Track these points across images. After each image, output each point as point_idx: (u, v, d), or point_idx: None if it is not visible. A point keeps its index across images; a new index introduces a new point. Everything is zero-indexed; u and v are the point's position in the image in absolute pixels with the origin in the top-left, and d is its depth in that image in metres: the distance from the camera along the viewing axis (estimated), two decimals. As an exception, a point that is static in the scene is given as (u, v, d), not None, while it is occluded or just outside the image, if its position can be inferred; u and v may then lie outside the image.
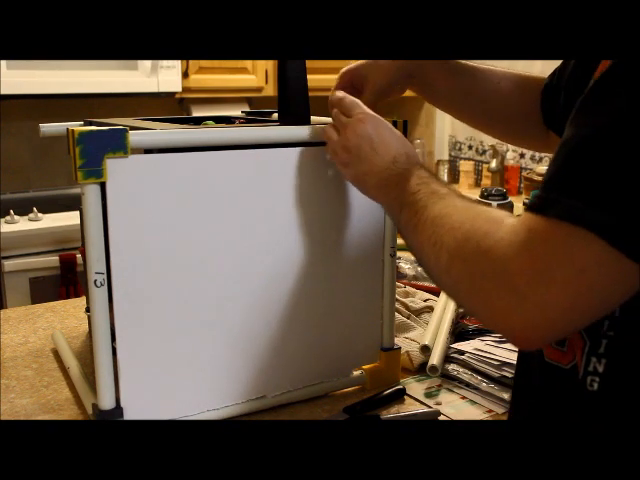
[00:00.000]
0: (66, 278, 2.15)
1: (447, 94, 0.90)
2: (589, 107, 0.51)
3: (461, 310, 1.10)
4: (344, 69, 0.90)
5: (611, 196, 0.47)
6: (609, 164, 0.47)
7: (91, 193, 0.70)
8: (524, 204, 1.49)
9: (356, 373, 0.94)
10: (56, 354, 1.03)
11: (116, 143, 0.70)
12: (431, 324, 1.04)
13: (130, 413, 0.76)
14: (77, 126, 0.83)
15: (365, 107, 0.79)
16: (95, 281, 0.71)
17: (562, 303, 0.49)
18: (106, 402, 0.74)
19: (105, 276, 0.72)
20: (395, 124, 0.89)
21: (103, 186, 0.71)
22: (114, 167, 0.70)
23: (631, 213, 0.46)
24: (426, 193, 0.68)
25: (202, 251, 0.78)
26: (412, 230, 0.66)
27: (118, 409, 0.75)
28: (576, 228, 0.48)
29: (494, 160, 2.80)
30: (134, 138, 0.71)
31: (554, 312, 0.50)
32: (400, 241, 0.82)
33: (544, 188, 0.52)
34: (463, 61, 0.88)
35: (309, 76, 0.84)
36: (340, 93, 0.81)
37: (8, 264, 2.08)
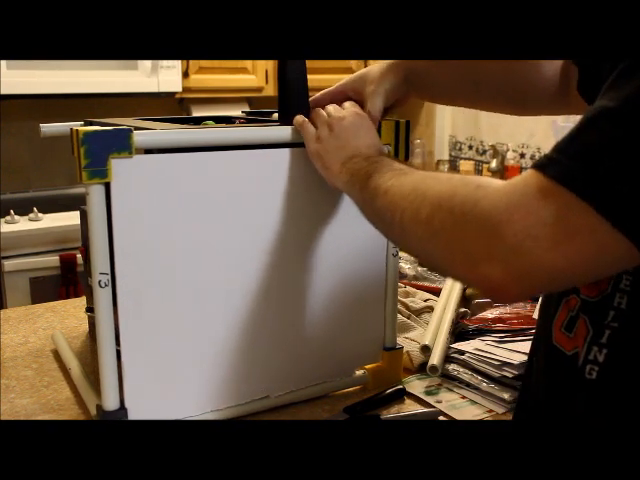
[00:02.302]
0: (66, 278, 2.15)
1: (452, 87, 0.88)
2: (617, 83, 0.50)
3: (462, 310, 1.10)
4: (336, 87, 0.90)
5: (616, 170, 0.47)
6: (622, 137, 0.47)
7: (96, 193, 0.70)
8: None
9: (358, 373, 0.94)
10: (56, 354, 1.03)
11: (121, 143, 0.70)
12: (431, 324, 1.04)
13: (134, 413, 0.76)
14: (77, 126, 0.82)
15: (359, 108, 0.83)
16: (99, 281, 0.71)
17: (546, 261, 0.50)
18: (110, 403, 0.74)
19: (109, 277, 0.72)
20: (397, 124, 0.89)
21: (107, 186, 0.71)
22: (119, 167, 0.70)
23: (633, 190, 0.47)
24: (400, 166, 0.69)
25: (205, 251, 0.78)
26: (383, 193, 0.65)
27: (122, 410, 0.75)
28: (575, 194, 0.48)
29: (494, 160, 2.80)
30: (138, 138, 0.71)
31: (537, 268, 0.50)
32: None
33: (555, 150, 0.51)
34: None
35: (309, 76, 0.85)
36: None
37: (8, 264, 2.08)
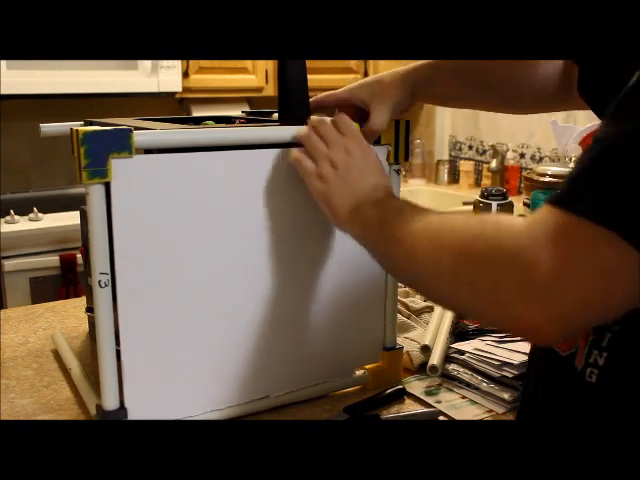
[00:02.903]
0: (66, 278, 2.15)
1: (460, 94, 0.88)
2: (629, 104, 0.49)
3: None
4: (342, 91, 0.90)
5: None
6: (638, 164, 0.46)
7: (95, 193, 0.70)
8: (524, 204, 1.49)
9: (358, 373, 0.94)
10: (56, 354, 1.03)
11: (121, 143, 0.70)
12: (431, 324, 1.04)
13: (134, 413, 0.76)
14: (77, 126, 0.82)
15: (356, 131, 0.80)
16: (99, 281, 0.71)
17: (581, 300, 0.48)
18: (110, 403, 0.74)
19: (109, 277, 0.72)
20: (397, 124, 0.89)
21: (107, 186, 0.71)
22: (119, 167, 0.70)
23: None
24: (413, 210, 0.66)
25: (205, 251, 0.78)
26: (397, 243, 0.63)
27: (122, 409, 0.75)
28: (602, 227, 0.47)
29: (494, 160, 2.80)
30: (138, 138, 0.71)
31: (572, 308, 0.49)
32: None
33: (570, 183, 0.50)
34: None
35: (309, 76, 0.85)
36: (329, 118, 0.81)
37: (8, 264, 2.08)
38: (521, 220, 0.53)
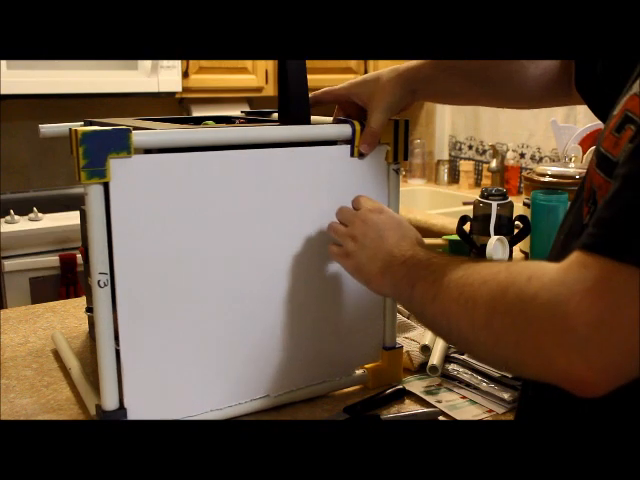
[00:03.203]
0: (66, 278, 2.15)
1: (461, 90, 0.88)
2: None
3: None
4: (340, 88, 0.89)
5: None
6: None
7: (94, 193, 0.70)
8: (524, 204, 1.49)
9: (358, 372, 0.94)
10: (56, 354, 1.03)
11: (119, 143, 0.70)
12: (431, 324, 1.04)
13: (134, 413, 0.76)
14: (77, 126, 0.82)
15: (372, 200, 0.80)
16: (98, 281, 0.71)
17: (627, 347, 0.47)
18: (110, 402, 0.75)
19: (108, 276, 0.72)
20: (397, 124, 0.89)
21: (106, 186, 0.71)
22: (117, 167, 0.70)
23: None
24: (441, 263, 0.64)
25: (205, 251, 0.78)
26: (431, 301, 0.62)
27: (122, 409, 0.75)
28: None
29: (494, 160, 2.80)
30: (137, 138, 0.71)
31: (619, 356, 0.47)
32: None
33: (605, 227, 0.48)
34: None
35: (309, 76, 0.85)
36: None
37: (8, 264, 2.08)
38: (554, 267, 0.51)
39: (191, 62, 2.54)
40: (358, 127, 0.85)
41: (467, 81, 0.87)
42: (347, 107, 0.91)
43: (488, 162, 2.89)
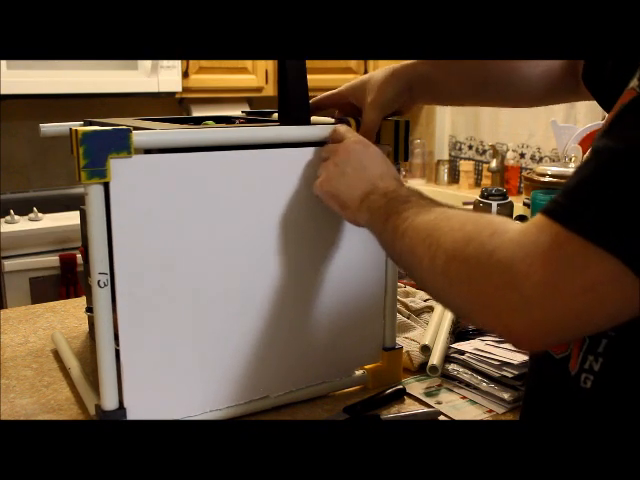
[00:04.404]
0: (66, 278, 2.15)
1: (457, 89, 0.87)
2: (628, 120, 0.48)
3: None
4: (338, 91, 0.90)
5: (635, 216, 0.45)
6: (636, 181, 0.45)
7: (94, 193, 0.70)
8: (524, 204, 1.49)
9: (358, 373, 0.94)
10: (56, 354, 1.03)
11: (120, 143, 0.70)
12: (431, 324, 1.04)
13: (133, 413, 0.76)
14: (77, 126, 0.82)
15: (356, 134, 0.80)
16: (98, 281, 0.71)
17: (568, 313, 0.49)
18: (109, 402, 0.74)
19: (108, 276, 0.72)
20: (397, 124, 0.89)
21: (106, 186, 0.71)
22: (118, 167, 0.70)
23: None
24: (418, 202, 0.67)
25: (204, 251, 0.78)
26: (400, 236, 0.64)
27: (121, 409, 0.75)
28: (597, 246, 0.46)
29: (494, 160, 2.80)
30: (137, 138, 0.71)
31: (558, 319, 0.49)
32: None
33: (566, 195, 0.50)
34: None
35: (309, 76, 0.84)
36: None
37: (8, 264, 2.08)
38: (516, 227, 0.53)
39: (191, 62, 2.54)
40: (354, 124, 0.85)
41: (465, 79, 0.86)
42: (347, 109, 0.92)
43: (488, 162, 2.89)
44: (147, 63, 2.38)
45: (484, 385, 0.91)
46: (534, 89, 0.85)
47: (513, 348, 0.93)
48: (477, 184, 3.04)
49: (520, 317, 0.50)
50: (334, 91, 0.91)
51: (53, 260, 2.14)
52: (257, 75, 2.73)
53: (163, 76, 2.42)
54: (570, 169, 1.48)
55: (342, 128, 0.81)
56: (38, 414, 0.85)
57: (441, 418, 0.85)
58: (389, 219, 0.67)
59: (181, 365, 0.79)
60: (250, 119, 1.00)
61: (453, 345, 0.99)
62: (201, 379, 0.81)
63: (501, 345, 0.95)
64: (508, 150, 2.85)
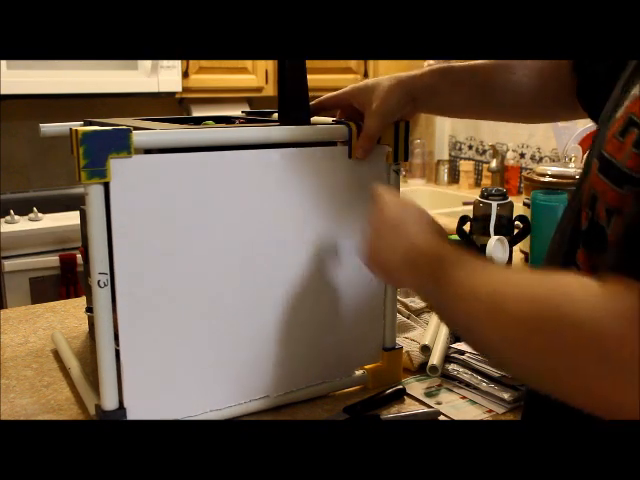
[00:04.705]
0: (66, 278, 2.15)
1: (460, 102, 0.88)
2: None
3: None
4: (341, 93, 0.90)
5: None
6: None
7: (94, 193, 0.70)
8: (524, 204, 1.49)
9: (358, 373, 0.94)
10: (56, 354, 1.03)
11: (120, 143, 0.70)
12: (431, 324, 1.04)
13: (133, 413, 0.76)
14: (77, 126, 0.82)
15: (388, 194, 0.74)
16: (98, 281, 0.71)
17: None
18: (109, 402, 0.75)
19: (108, 276, 0.72)
20: (397, 124, 0.89)
21: (106, 186, 0.71)
22: (118, 167, 0.70)
23: None
24: (469, 262, 0.59)
25: (204, 251, 0.78)
26: (455, 303, 0.58)
27: (121, 409, 0.75)
28: None
29: (494, 160, 2.80)
30: (137, 138, 0.71)
31: None
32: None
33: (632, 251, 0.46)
34: (462, 65, 0.88)
35: (309, 76, 0.85)
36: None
37: (8, 264, 2.08)
38: (595, 287, 0.48)
39: (191, 62, 2.54)
40: (354, 129, 0.85)
41: (469, 92, 0.87)
42: (348, 111, 0.92)
43: (488, 162, 2.89)
44: (147, 63, 2.38)
45: (484, 385, 0.91)
46: (532, 104, 0.86)
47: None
48: (477, 184, 3.04)
49: (627, 394, 0.45)
50: (338, 92, 0.91)
51: (53, 260, 2.14)
52: (257, 75, 2.73)
53: (163, 76, 2.42)
54: (570, 169, 1.48)
55: (379, 189, 0.75)
56: (38, 414, 0.85)
57: (441, 418, 0.85)
58: (439, 284, 0.60)
59: (181, 365, 0.79)
60: (250, 119, 1.00)
61: (453, 345, 0.99)
62: (201, 379, 0.81)
63: (501, 345, 0.95)
64: (508, 150, 2.85)
